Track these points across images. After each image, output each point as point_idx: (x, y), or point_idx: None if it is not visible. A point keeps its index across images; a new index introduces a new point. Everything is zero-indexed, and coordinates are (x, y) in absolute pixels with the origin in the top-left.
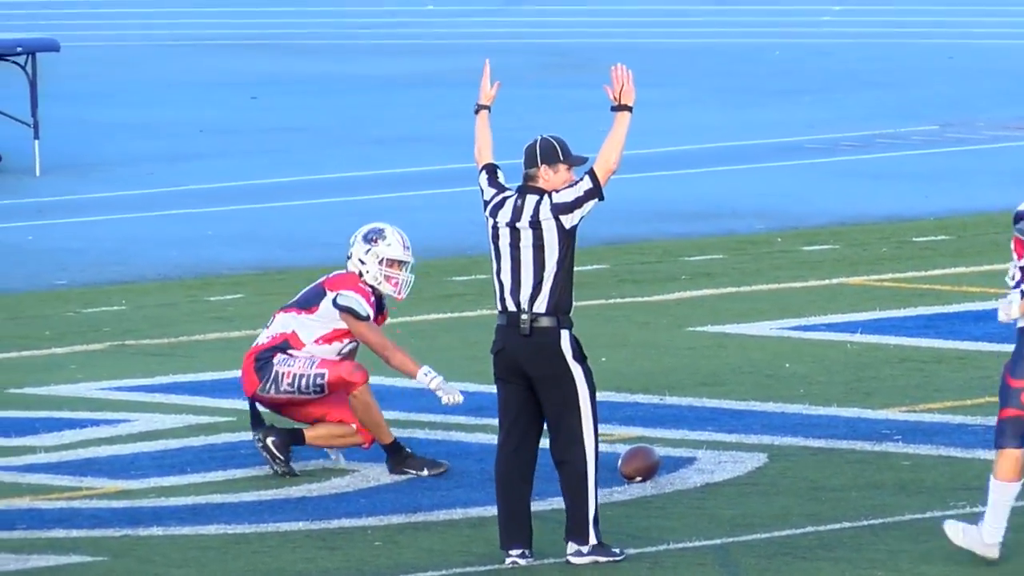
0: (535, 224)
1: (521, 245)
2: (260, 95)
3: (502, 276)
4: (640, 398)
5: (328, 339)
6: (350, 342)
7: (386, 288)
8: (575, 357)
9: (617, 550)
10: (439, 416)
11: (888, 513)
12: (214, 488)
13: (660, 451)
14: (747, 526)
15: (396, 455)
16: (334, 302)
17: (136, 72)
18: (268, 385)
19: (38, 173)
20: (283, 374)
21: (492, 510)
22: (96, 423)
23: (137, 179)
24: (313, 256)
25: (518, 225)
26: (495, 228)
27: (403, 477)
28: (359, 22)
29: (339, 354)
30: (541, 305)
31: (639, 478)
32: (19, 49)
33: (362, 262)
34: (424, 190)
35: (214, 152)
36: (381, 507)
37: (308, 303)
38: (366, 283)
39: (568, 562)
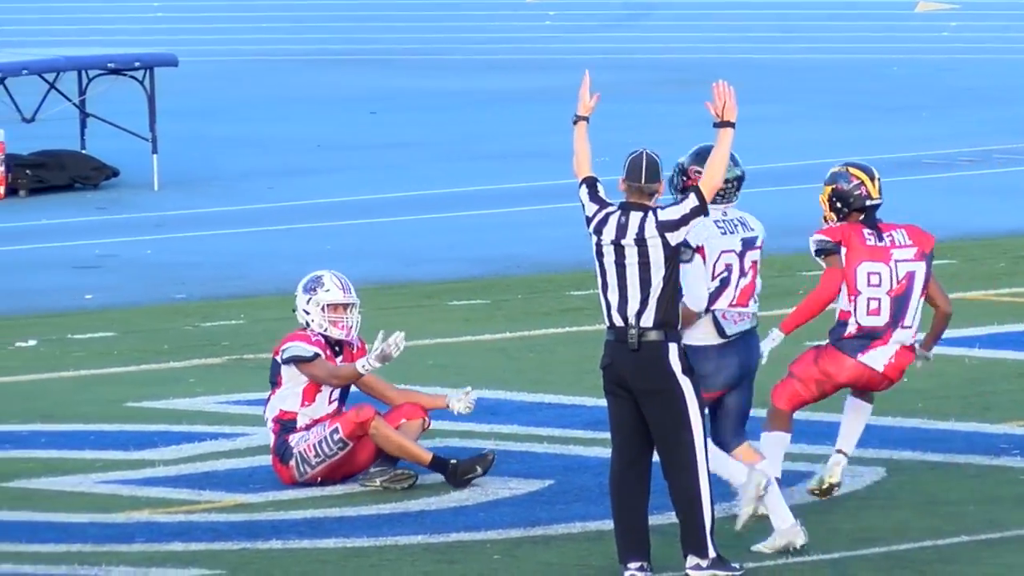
0: (640, 241)
1: (627, 262)
2: (378, 110)
3: (608, 292)
4: (760, 413)
5: (309, 396)
6: (328, 387)
7: (334, 332)
8: (683, 371)
9: (736, 565)
10: (557, 430)
11: (1005, 527)
12: (332, 502)
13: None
14: (865, 540)
15: (446, 470)
16: (282, 361)
17: (253, 87)
18: (302, 468)
19: (156, 188)
20: (306, 450)
21: (610, 523)
22: (214, 436)
23: (255, 194)
24: (428, 271)
25: (623, 242)
26: (599, 245)
27: (521, 491)
28: (476, 37)
29: (330, 401)
30: (648, 320)
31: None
32: (137, 64)
33: (306, 312)
34: (540, 205)
35: (331, 167)
36: (500, 521)
37: (273, 379)
38: (312, 332)
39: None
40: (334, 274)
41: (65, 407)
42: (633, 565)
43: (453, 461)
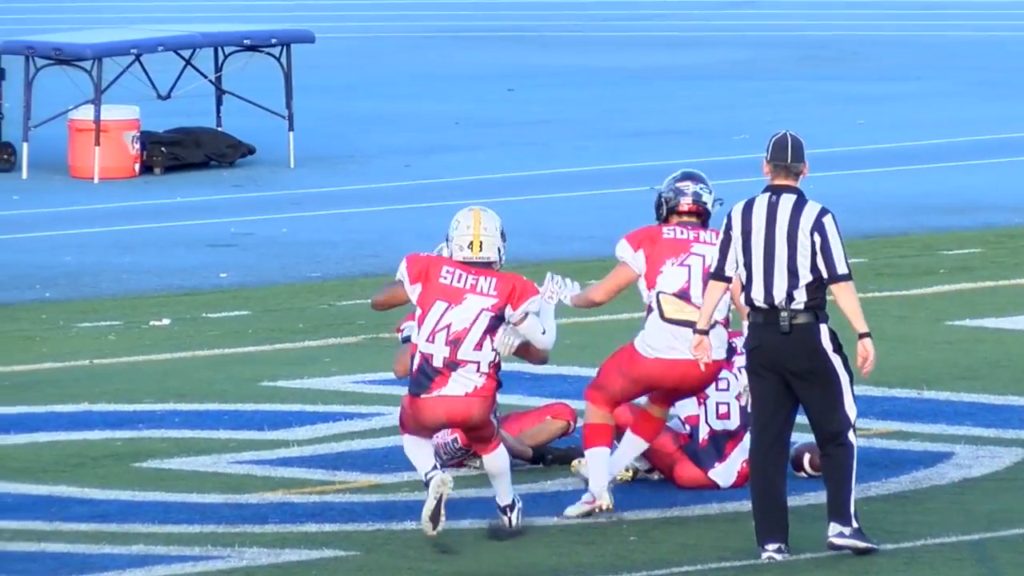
0: (793, 227)
1: (776, 246)
2: (517, 88)
3: (754, 274)
4: (898, 392)
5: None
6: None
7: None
8: (834, 350)
9: (873, 540)
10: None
11: None
12: (468, 482)
13: (918, 446)
14: (1005, 521)
15: (544, 463)
16: (401, 340)
17: (391, 64)
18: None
19: (292, 165)
20: (438, 446)
21: (748, 505)
22: (349, 416)
23: (392, 171)
24: (568, 249)
25: (775, 227)
26: (747, 232)
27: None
28: (616, 14)
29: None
30: (799, 302)
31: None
32: (274, 40)
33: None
34: None
35: (470, 145)
36: (637, 502)
37: None
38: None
39: (830, 544)
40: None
41: (199, 387)
42: (771, 547)
43: (549, 456)
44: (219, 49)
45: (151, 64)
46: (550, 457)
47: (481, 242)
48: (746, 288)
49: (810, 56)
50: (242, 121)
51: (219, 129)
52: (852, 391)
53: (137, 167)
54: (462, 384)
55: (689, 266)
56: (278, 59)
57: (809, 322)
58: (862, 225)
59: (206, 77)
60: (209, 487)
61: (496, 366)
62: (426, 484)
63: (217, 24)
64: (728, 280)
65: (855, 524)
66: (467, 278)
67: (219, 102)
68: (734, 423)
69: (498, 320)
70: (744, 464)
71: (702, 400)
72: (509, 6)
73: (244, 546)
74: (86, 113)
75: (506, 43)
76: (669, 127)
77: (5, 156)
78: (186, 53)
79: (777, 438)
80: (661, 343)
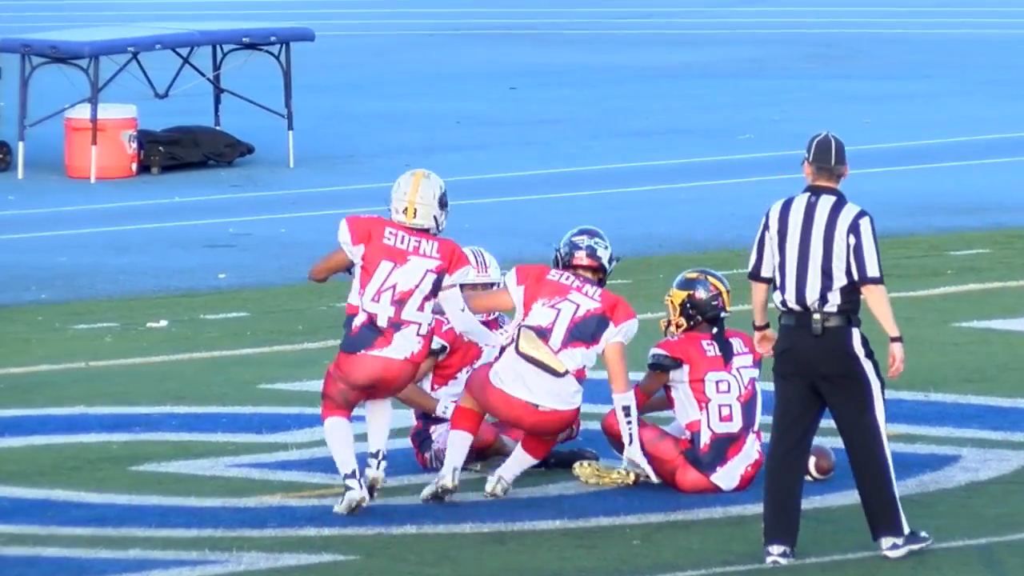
0: (830, 227)
1: (812, 247)
2: (520, 86)
3: (788, 275)
4: (904, 395)
5: (440, 382)
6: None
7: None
8: (866, 355)
9: (924, 533)
10: None
11: None
12: (468, 486)
13: (924, 449)
14: (1012, 525)
15: (546, 465)
16: None
17: (392, 62)
18: (434, 463)
19: (291, 164)
20: (438, 451)
21: (752, 508)
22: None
23: (393, 171)
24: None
25: (812, 228)
26: (783, 232)
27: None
28: (621, 11)
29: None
30: (833, 305)
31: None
32: (273, 39)
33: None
34: (685, 183)
35: (472, 144)
36: (640, 505)
37: None
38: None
39: (886, 557)
40: (473, 251)
41: (197, 389)
42: (776, 550)
43: (552, 460)
44: (217, 47)
45: (149, 62)
46: (552, 460)
47: (416, 209)
48: (779, 289)
49: (817, 54)
50: (241, 120)
51: (217, 128)
52: (883, 397)
53: (134, 166)
54: (402, 347)
55: (559, 310)
56: (277, 57)
57: (841, 325)
58: None
59: (204, 76)
60: (207, 491)
61: (431, 332)
62: (345, 487)
63: (215, 22)
64: (765, 281)
65: (906, 530)
66: (410, 240)
67: (217, 101)
68: (736, 425)
69: (440, 281)
70: (747, 468)
71: (703, 404)
72: (511, 4)
73: (242, 550)
74: (83, 112)
75: (508, 41)
76: (674, 126)
77: (1, 155)
78: (184, 51)
79: (798, 443)
80: (508, 375)
